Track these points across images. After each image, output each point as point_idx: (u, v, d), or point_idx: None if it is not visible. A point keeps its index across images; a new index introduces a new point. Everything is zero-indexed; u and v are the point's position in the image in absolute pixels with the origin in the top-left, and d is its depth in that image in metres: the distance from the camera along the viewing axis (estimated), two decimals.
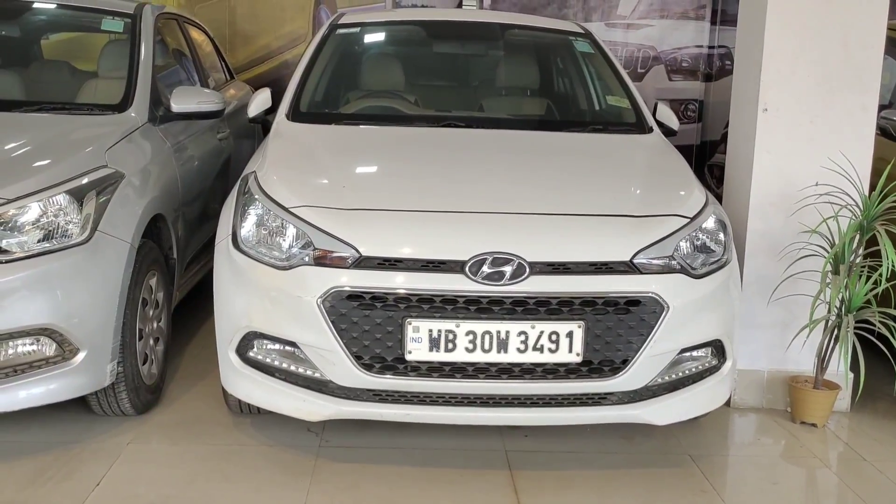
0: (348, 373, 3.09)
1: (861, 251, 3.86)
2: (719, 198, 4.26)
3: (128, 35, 4.55)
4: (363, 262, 3.09)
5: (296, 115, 4.17)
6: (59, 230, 3.26)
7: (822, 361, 3.94)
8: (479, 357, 3.08)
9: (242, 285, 3.25)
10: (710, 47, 7.58)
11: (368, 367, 3.09)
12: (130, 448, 3.45)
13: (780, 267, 3.99)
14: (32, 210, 3.23)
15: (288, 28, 7.61)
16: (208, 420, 3.73)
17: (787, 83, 3.99)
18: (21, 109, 4.05)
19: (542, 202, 3.38)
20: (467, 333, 3.06)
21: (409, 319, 3.05)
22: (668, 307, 3.15)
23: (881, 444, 3.83)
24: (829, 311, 3.88)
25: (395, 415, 3.19)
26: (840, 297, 3.84)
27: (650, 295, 3.14)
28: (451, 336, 3.06)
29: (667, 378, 3.28)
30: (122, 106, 4.12)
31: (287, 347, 3.20)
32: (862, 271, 3.84)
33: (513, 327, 3.07)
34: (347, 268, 3.09)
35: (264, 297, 3.19)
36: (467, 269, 3.07)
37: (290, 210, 3.25)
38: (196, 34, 5.71)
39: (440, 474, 3.33)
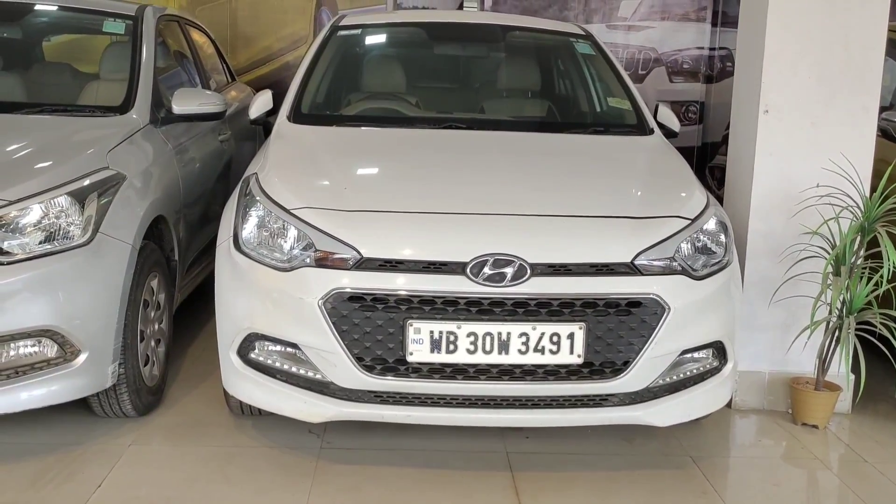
0: (349, 374, 3.10)
1: (862, 252, 3.86)
2: (720, 199, 4.26)
3: (129, 37, 4.56)
4: (364, 264, 3.09)
5: (297, 116, 4.17)
6: (61, 232, 3.26)
7: (824, 363, 3.94)
8: (480, 358, 3.08)
9: (244, 287, 3.25)
10: (711, 49, 7.58)
11: (370, 369, 3.09)
12: (132, 450, 3.45)
13: (781, 268, 3.99)
14: (34, 212, 3.23)
15: (289, 30, 7.62)
16: (209, 422, 3.73)
17: (787, 85, 3.99)
18: (23, 111, 4.05)
19: (544, 204, 3.38)
20: (468, 335, 3.06)
21: (410, 321, 3.05)
22: (669, 309, 3.15)
23: (882, 446, 3.83)
24: (830, 313, 3.88)
25: (397, 416, 3.18)
26: (841, 298, 3.84)
27: (651, 296, 3.14)
28: (452, 337, 3.06)
29: (668, 380, 3.28)
30: (124, 108, 4.12)
31: (288, 349, 3.20)
32: (863, 273, 3.84)
33: (514, 329, 3.07)
34: (349, 269, 3.09)
35: (266, 298, 3.19)
36: (468, 270, 3.07)
37: (292, 212, 3.25)
38: (197, 36, 5.72)
39: (441, 476, 3.33)
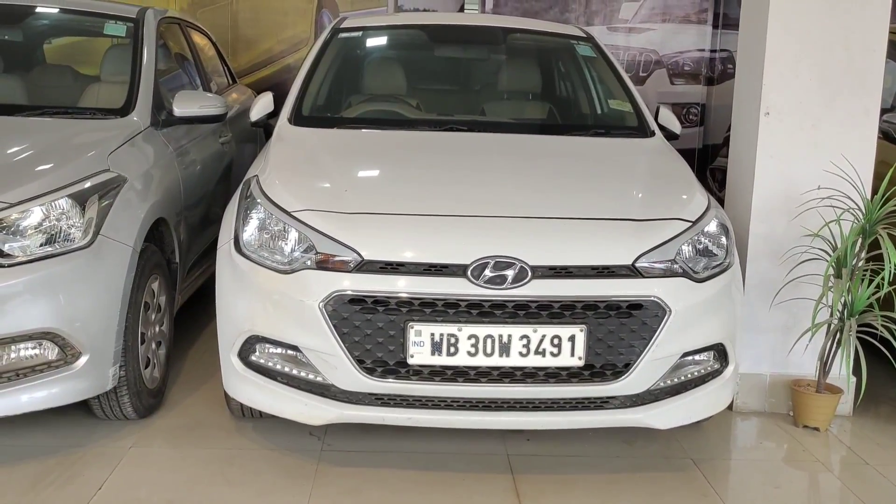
0: (350, 377, 3.09)
1: (863, 255, 3.86)
2: (721, 202, 4.26)
3: (130, 39, 4.56)
4: (365, 266, 3.09)
5: (298, 119, 4.17)
6: (62, 234, 3.26)
7: (825, 365, 3.94)
8: (481, 361, 3.08)
9: (244, 289, 3.25)
10: (712, 51, 7.58)
11: (370, 371, 3.09)
12: (132, 452, 3.45)
13: (783, 270, 3.99)
14: (35, 214, 3.23)
15: (290, 32, 7.62)
16: (210, 424, 3.73)
17: (789, 87, 3.99)
18: (24, 114, 4.05)
19: (544, 206, 3.38)
20: (469, 337, 3.06)
21: (411, 323, 3.05)
22: (670, 311, 3.15)
23: (884, 448, 3.82)
24: (831, 315, 3.88)
25: (398, 419, 3.18)
26: (842, 300, 3.84)
27: (652, 299, 3.14)
28: (453, 340, 3.06)
29: (669, 382, 3.28)
30: (125, 110, 4.12)
31: (289, 351, 3.20)
32: (864, 275, 3.84)
33: (515, 331, 3.07)
34: (349, 271, 3.09)
35: (266, 300, 3.19)
36: (469, 272, 3.07)
37: (293, 214, 3.25)
38: (198, 38, 5.72)
39: (442, 478, 3.33)
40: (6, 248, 3.17)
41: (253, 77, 7.50)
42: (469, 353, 3.07)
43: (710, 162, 7.72)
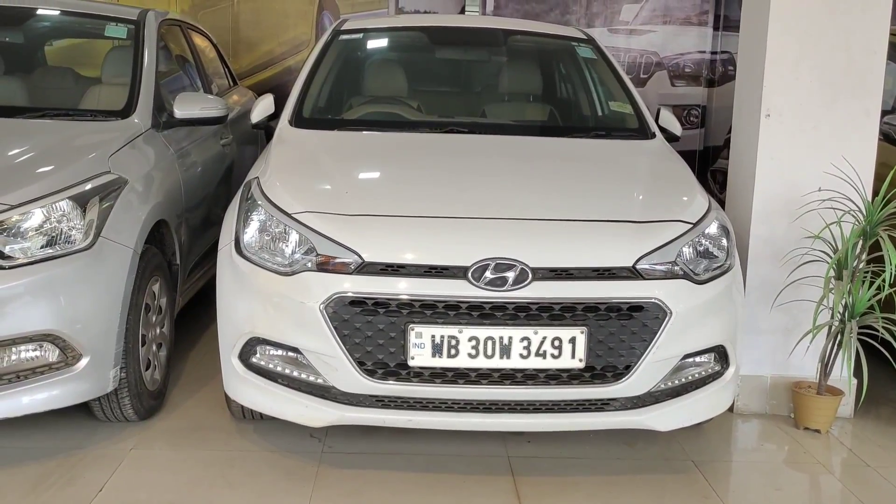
0: (351, 379, 3.09)
1: (864, 256, 3.86)
2: (722, 203, 4.26)
3: (131, 41, 4.56)
4: (366, 268, 3.09)
5: (299, 121, 4.17)
6: (63, 236, 3.27)
7: (826, 367, 3.94)
8: (481, 363, 3.08)
9: (245, 291, 3.25)
10: (713, 53, 7.58)
11: (371, 373, 3.09)
12: (133, 454, 3.45)
13: (783, 272, 3.99)
14: (36, 216, 3.23)
15: (291, 34, 7.63)
16: (211, 426, 3.73)
17: (789, 88, 3.99)
18: (25, 116, 4.06)
19: (545, 208, 3.38)
20: (470, 339, 3.06)
21: (411, 325, 3.05)
22: (671, 313, 3.14)
23: (885, 450, 3.82)
24: (832, 317, 3.88)
25: (398, 421, 3.18)
26: (843, 302, 3.84)
27: (653, 301, 3.13)
28: (453, 342, 3.06)
29: (670, 384, 3.27)
30: (126, 112, 4.12)
31: (290, 353, 3.20)
32: (865, 277, 3.83)
33: (515, 333, 3.07)
34: (350, 273, 3.09)
35: (267, 302, 3.19)
36: (470, 274, 3.07)
37: (293, 216, 3.25)
38: (199, 40, 5.73)
39: (443, 480, 3.33)
40: (7, 249, 3.17)
41: (254, 79, 7.50)
42: (470, 355, 3.07)
43: (710, 164, 7.72)
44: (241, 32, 7.57)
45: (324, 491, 3.22)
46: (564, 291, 3.10)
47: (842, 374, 3.91)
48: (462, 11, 7.49)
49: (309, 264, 3.14)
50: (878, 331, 3.81)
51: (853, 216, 3.84)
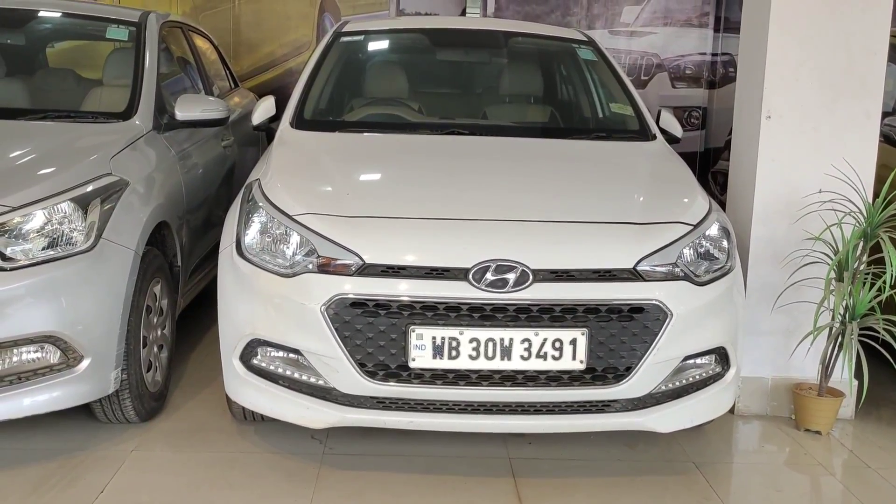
0: (352, 380, 3.09)
1: (865, 258, 3.86)
2: (723, 205, 4.26)
3: (132, 43, 4.57)
4: (367, 270, 3.10)
5: (300, 122, 4.18)
6: (64, 238, 3.27)
7: (826, 369, 3.94)
8: (482, 364, 3.08)
9: (246, 293, 3.25)
10: (714, 54, 7.59)
11: (372, 375, 3.09)
12: (134, 455, 3.45)
13: (784, 274, 3.99)
14: (37, 218, 3.24)
15: (292, 36, 7.63)
16: (212, 427, 3.73)
17: (790, 90, 3.99)
18: (26, 117, 4.06)
19: (546, 209, 3.38)
20: (471, 341, 3.06)
21: (412, 327, 3.05)
22: (672, 314, 3.14)
23: (885, 452, 3.82)
24: (832, 319, 3.87)
25: (399, 422, 3.18)
26: (844, 304, 3.84)
27: (654, 302, 3.14)
28: (454, 343, 3.06)
29: (670, 385, 3.28)
30: (127, 114, 4.13)
31: (291, 355, 3.20)
32: (866, 278, 3.83)
33: (516, 334, 3.07)
34: (351, 275, 3.09)
35: (268, 304, 3.20)
36: (471, 276, 3.07)
37: (294, 217, 3.25)
38: (200, 42, 5.73)
39: (444, 482, 3.33)
40: (8, 251, 3.17)
41: (255, 81, 7.51)
42: (470, 357, 3.07)
43: (711, 165, 7.72)
44: (243, 34, 7.58)
45: (325, 492, 3.22)
46: (565, 293, 3.10)
47: (842, 375, 3.91)
48: (463, 13, 7.50)
49: (310, 266, 3.14)
50: (878, 332, 3.81)
51: (854, 218, 3.85)
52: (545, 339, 3.08)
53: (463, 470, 3.43)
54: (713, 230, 3.43)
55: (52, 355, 3.25)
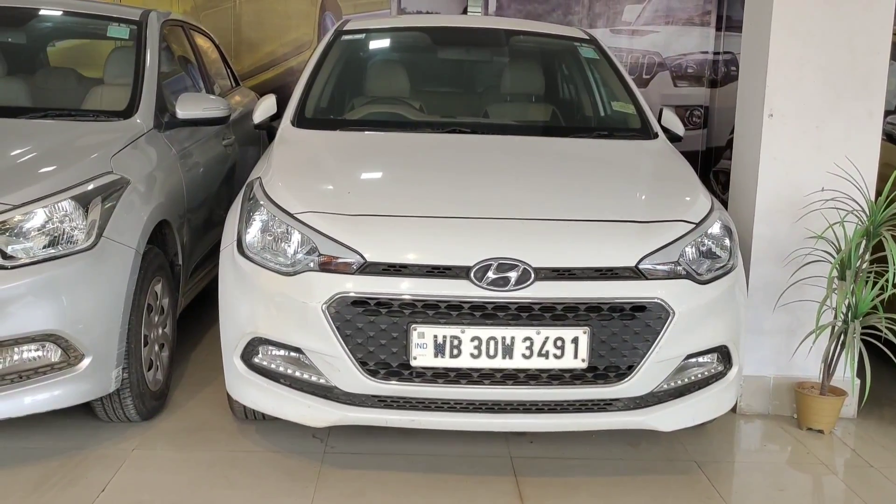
0: (353, 379, 3.09)
1: (867, 257, 3.85)
2: (725, 204, 4.25)
3: (133, 42, 4.56)
4: (368, 268, 3.09)
5: (301, 121, 4.17)
6: (65, 236, 3.27)
7: (829, 367, 3.93)
8: (484, 363, 3.08)
9: (247, 291, 3.25)
10: (716, 53, 7.58)
11: (373, 373, 3.08)
12: (135, 454, 3.45)
13: (786, 273, 3.98)
14: (38, 216, 3.23)
15: (293, 35, 7.63)
16: (213, 426, 3.72)
17: (792, 89, 3.98)
18: (27, 116, 4.06)
19: (547, 208, 3.38)
20: (472, 339, 3.06)
21: (413, 325, 3.04)
22: (674, 313, 3.14)
23: (888, 451, 3.81)
24: (835, 317, 3.87)
25: (401, 421, 3.18)
26: (846, 302, 3.83)
27: (656, 301, 3.13)
28: (456, 342, 3.06)
29: (672, 384, 3.27)
30: (128, 112, 4.12)
31: (292, 353, 3.19)
32: (868, 277, 3.83)
33: (518, 333, 3.06)
34: (352, 274, 3.09)
35: (269, 303, 3.19)
36: (472, 274, 3.06)
37: (296, 216, 3.25)
38: (201, 41, 5.73)
39: (445, 481, 3.33)
40: (9, 250, 3.17)
41: (256, 80, 7.50)
42: (472, 355, 3.07)
43: (713, 164, 7.71)
44: (244, 33, 7.57)
45: (326, 491, 3.21)
46: (567, 291, 3.09)
47: (845, 374, 3.90)
48: (464, 12, 7.49)
49: (311, 264, 3.14)
50: (881, 331, 3.80)
51: (856, 216, 3.84)
52: (547, 338, 3.07)
53: (464, 469, 3.42)
54: (715, 228, 3.42)
55: (53, 354, 3.25)
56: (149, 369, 3.73)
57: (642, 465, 3.53)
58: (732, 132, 4.43)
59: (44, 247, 3.22)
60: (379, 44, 5.05)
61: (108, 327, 3.36)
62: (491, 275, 3.06)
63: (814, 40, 3.95)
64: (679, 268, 3.23)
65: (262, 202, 3.36)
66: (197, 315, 4.88)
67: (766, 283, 4.05)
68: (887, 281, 3.70)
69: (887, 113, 4.32)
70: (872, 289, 3.80)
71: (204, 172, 4.67)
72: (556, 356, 3.08)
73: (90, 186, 3.42)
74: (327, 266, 3.12)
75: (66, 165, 3.48)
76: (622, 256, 3.18)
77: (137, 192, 3.67)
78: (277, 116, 4.31)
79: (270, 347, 3.23)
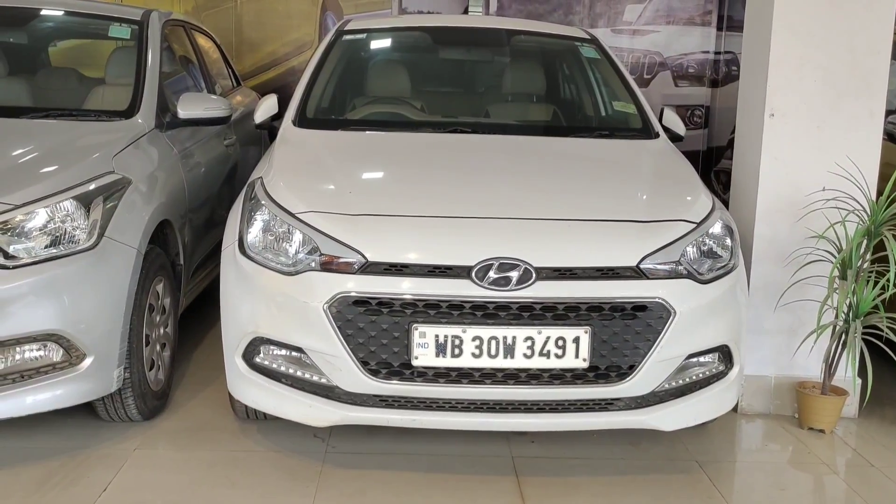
0: (355, 378, 3.09)
1: (868, 256, 3.85)
2: (726, 203, 4.25)
3: (135, 42, 4.57)
4: (369, 268, 3.09)
5: (302, 121, 4.17)
6: (67, 236, 3.27)
7: (830, 367, 3.93)
8: (485, 362, 3.08)
9: (249, 291, 3.25)
10: (717, 53, 7.58)
11: (375, 373, 3.09)
12: (137, 454, 3.45)
13: (787, 272, 3.98)
14: (40, 216, 3.24)
15: (294, 35, 7.63)
16: (215, 426, 3.73)
17: (793, 88, 3.98)
18: (29, 116, 4.06)
19: (549, 208, 3.38)
20: (473, 339, 3.06)
21: (415, 325, 3.04)
22: (675, 313, 3.14)
23: (889, 450, 3.81)
24: (836, 317, 3.87)
25: (402, 420, 3.18)
26: (847, 302, 3.83)
27: (657, 300, 3.13)
28: (457, 341, 3.06)
29: (674, 384, 3.27)
30: (129, 112, 4.13)
31: (293, 353, 3.20)
32: (869, 276, 3.83)
33: (519, 333, 3.06)
34: (354, 273, 3.09)
35: (271, 302, 3.19)
36: (473, 274, 3.06)
37: (297, 216, 3.25)
38: (203, 41, 5.73)
39: (446, 480, 3.33)
40: (11, 249, 3.17)
41: (257, 79, 7.50)
42: (473, 355, 3.07)
43: (714, 164, 7.71)
44: (245, 33, 7.57)
45: (327, 491, 3.22)
46: (568, 291, 3.10)
47: (846, 374, 3.90)
48: (465, 11, 7.49)
49: (312, 264, 3.14)
50: (882, 330, 3.80)
51: (857, 216, 3.84)
52: (548, 338, 3.07)
53: (466, 469, 3.42)
54: (716, 228, 3.42)
55: (55, 353, 3.26)
56: (150, 369, 3.73)
57: (643, 465, 3.53)
58: (733, 132, 4.44)
59: (45, 246, 3.22)
60: (380, 44, 5.05)
61: (109, 327, 3.37)
62: (492, 274, 3.06)
63: (815, 40, 3.95)
64: (680, 267, 3.23)
65: (263, 202, 3.37)
66: (198, 315, 4.88)
67: (767, 282, 4.05)
68: (888, 280, 3.69)
69: (888, 112, 4.31)
70: (873, 288, 3.80)
71: (205, 172, 4.67)
72: (557, 356, 3.08)
73: (92, 186, 3.42)
74: (329, 266, 3.12)
75: (67, 165, 3.48)
76: (623, 256, 3.18)
77: (139, 191, 3.67)
78: (279, 116, 4.31)
79: (272, 347, 3.23)
